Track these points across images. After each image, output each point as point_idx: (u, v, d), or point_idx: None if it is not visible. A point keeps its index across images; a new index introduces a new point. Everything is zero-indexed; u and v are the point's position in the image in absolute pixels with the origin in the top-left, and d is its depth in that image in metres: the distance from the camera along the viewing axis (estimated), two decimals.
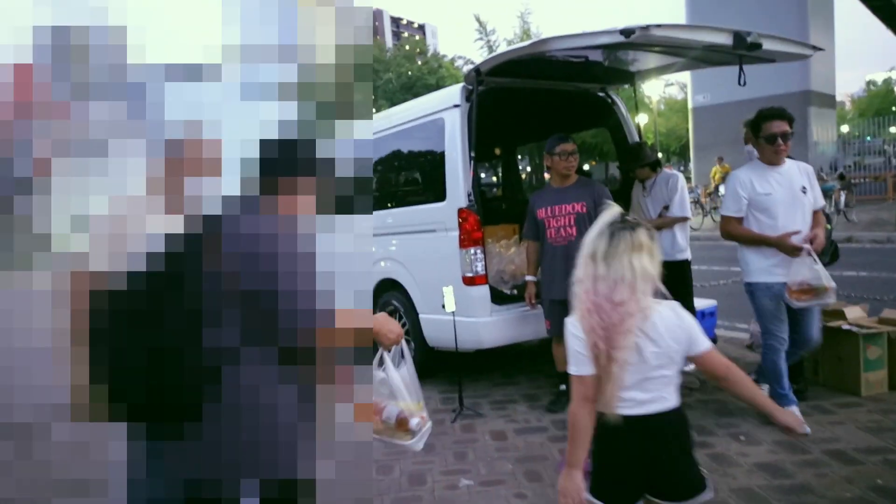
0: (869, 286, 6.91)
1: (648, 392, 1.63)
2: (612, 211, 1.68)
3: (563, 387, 3.97)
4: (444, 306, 3.82)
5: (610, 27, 3.03)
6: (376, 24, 68.03)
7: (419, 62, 31.68)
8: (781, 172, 3.36)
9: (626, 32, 2.93)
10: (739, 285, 5.78)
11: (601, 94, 4.79)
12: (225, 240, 1.10)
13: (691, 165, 21.99)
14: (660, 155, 4.60)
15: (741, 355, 4.76)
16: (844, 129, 31.08)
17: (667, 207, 4.33)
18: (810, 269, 3.23)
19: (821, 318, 3.63)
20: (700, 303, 4.80)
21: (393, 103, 18.34)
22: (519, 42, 14.37)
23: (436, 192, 4.20)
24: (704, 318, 4.82)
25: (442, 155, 4.14)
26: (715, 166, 18.82)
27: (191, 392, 1.07)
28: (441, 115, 4.16)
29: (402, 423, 1.76)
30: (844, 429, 3.32)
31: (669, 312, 1.65)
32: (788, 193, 3.33)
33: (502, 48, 4.06)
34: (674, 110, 34.40)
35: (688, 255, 4.42)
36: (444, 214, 4.10)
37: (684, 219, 4.36)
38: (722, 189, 16.58)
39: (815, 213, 3.44)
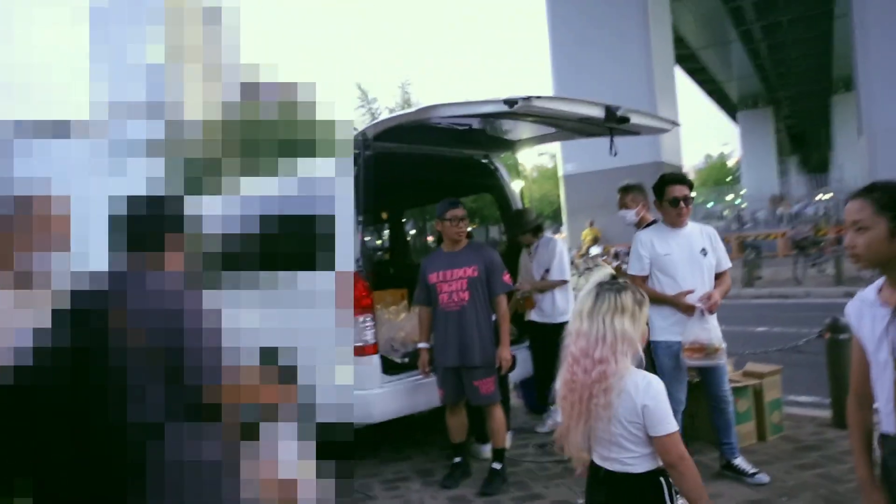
0: (727, 339, 7.49)
1: (611, 451, 1.72)
2: (603, 272, 1.90)
3: (457, 459, 3.82)
4: None
5: (494, 97, 3.11)
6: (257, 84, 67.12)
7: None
8: (682, 234, 3.50)
9: (510, 102, 3.02)
10: None
11: (484, 160, 4.92)
12: (130, 299, 1.06)
13: (564, 229, 23.38)
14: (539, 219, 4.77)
15: None
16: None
17: (548, 270, 4.45)
18: (703, 329, 3.34)
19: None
20: None
21: None
22: (400, 110, 14.73)
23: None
24: None
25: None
26: (586, 229, 20.14)
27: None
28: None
29: None
30: (726, 484, 3.44)
31: (644, 383, 1.69)
32: (688, 254, 3.45)
33: (384, 115, 4.13)
34: (545, 177, 36.82)
35: (568, 317, 4.52)
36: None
37: (563, 282, 4.49)
38: (593, 250, 17.71)
39: (720, 274, 3.57)
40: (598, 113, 3.41)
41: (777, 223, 28.30)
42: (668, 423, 1.68)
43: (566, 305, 4.53)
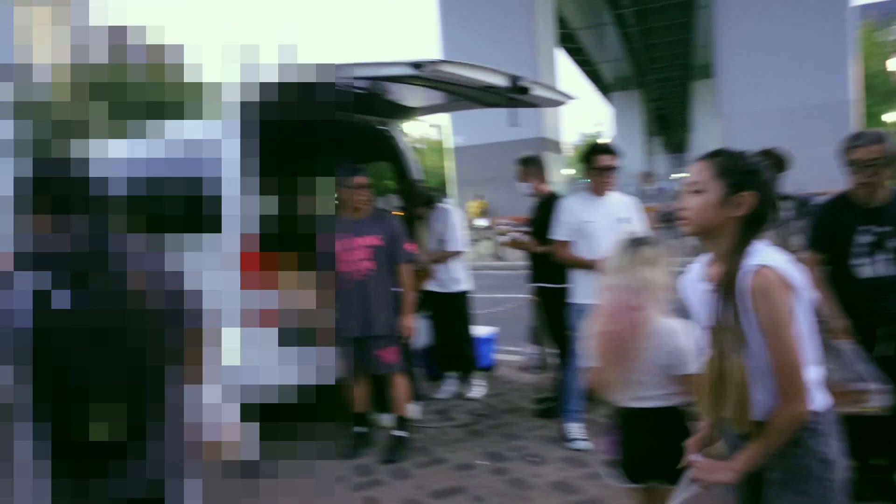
0: None
1: (642, 390, 1.92)
2: (629, 230, 2.09)
3: (359, 429, 3.78)
4: None
5: (400, 59, 3.02)
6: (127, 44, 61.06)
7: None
8: (605, 202, 3.55)
9: (417, 65, 2.94)
10: (514, 311, 6.27)
11: (382, 127, 4.80)
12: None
13: (452, 200, 23.71)
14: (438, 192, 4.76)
15: (517, 377, 5.08)
16: (570, 171, 36.61)
17: (443, 241, 4.47)
18: None
19: None
20: (481, 330, 5.03)
21: None
22: None
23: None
24: (485, 344, 5.06)
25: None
26: (471, 200, 20.53)
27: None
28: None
29: None
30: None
31: (673, 327, 1.90)
32: (609, 222, 3.49)
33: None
34: (432, 150, 36.99)
35: (464, 286, 4.59)
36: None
37: (458, 253, 4.53)
38: (479, 222, 18.12)
39: None
40: (502, 82, 3.42)
41: (644, 199, 30.54)
42: (693, 364, 1.86)
43: (462, 275, 4.59)
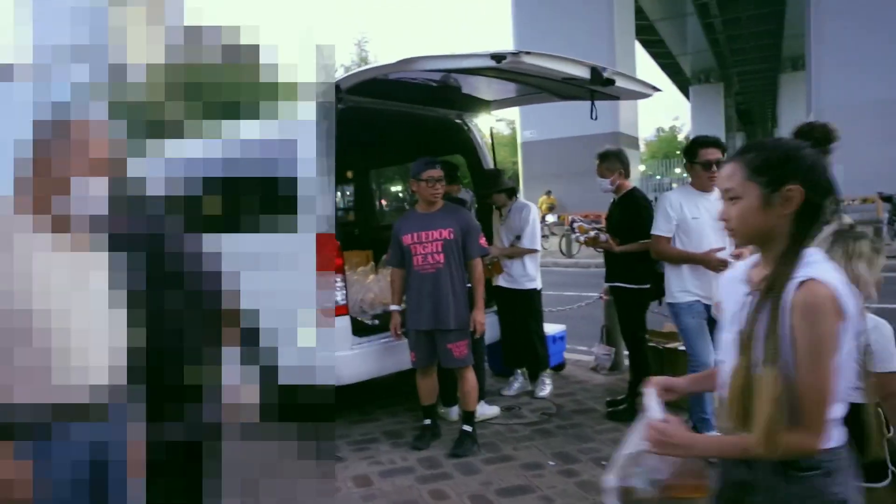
0: None
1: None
2: (842, 221, 1.88)
3: (427, 421, 3.79)
4: None
5: (480, 51, 2.98)
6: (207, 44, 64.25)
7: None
8: (710, 199, 3.36)
9: (498, 57, 2.89)
10: (587, 309, 6.13)
11: (458, 120, 4.78)
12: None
13: (521, 195, 23.54)
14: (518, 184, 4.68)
15: (588, 377, 4.97)
16: (641, 167, 35.52)
17: (519, 237, 4.40)
18: None
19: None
20: (550, 328, 4.94)
21: None
22: (356, 69, 14.30)
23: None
24: (555, 342, 4.97)
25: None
26: (542, 196, 20.29)
27: None
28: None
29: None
30: None
31: (872, 324, 1.80)
32: (714, 220, 3.24)
33: (339, 74, 3.91)
34: (502, 144, 36.73)
35: (537, 284, 4.51)
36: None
37: (534, 251, 4.44)
38: (548, 218, 17.87)
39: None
40: (584, 73, 3.32)
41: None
42: (892, 362, 1.81)
43: (535, 272, 4.50)
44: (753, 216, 1.30)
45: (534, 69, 3.15)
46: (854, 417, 1.79)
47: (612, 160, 4.08)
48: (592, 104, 3.86)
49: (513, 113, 23.48)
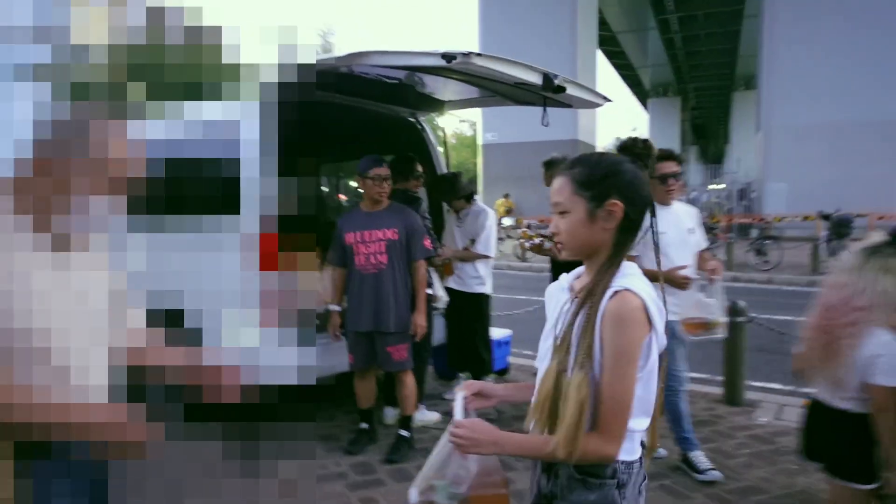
0: None
1: (839, 391, 2.03)
2: (881, 235, 2.00)
3: (363, 425, 3.70)
4: None
5: (431, 49, 2.91)
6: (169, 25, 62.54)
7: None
8: (672, 212, 3.32)
9: (448, 57, 2.83)
10: (534, 314, 6.13)
11: (411, 119, 4.70)
12: None
13: (479, 198, 23.63)
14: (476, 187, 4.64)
15: (532, 383, 4.96)
16: None
17: (473, 241, 4.35)
18: (702, 303, 3.19)
19: None
20: (496, 332, 4.91)
21: None
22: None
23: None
24: (500, 347, 4.95)
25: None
26: (500, 199, 20.39)
27: None
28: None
29: None
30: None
31: (886, 338, 1.91)
32: (678, 233, 3.28)
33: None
34: (464, 145, 36.79)
35: (486, 288, 4.48)
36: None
37: (486, 257, 4.41)
38: (505, 221, 17.97)
39: (700, 253, 3.44)
40: (535, 79, 3.29)
41: None
42: (891, 376, 1.91)
43: (486, 277, 4.47)
44: (580, 229, 1.33)
45: (484, 71, 3.10)
46: (856, 425, 2.00)
47: (553, 168, 4.09)
48: (545, 110, 3.84)
49: (476, 114, 23.54)
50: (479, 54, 2.86)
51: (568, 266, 4.36)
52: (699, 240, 3.45)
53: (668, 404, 3.35)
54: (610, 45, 35.58)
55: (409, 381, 3.60)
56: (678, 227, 3.31)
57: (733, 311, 4.48)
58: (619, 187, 1.31)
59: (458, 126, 35.16)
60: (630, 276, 1.30)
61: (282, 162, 4.00)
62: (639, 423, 1.30)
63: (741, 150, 38.32)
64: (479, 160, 23.21)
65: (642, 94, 49.37)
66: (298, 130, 3.66)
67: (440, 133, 5.24)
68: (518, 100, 4.21)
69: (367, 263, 3.46)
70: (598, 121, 24.28)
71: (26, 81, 1.05)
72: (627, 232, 1.34)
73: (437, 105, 4.65)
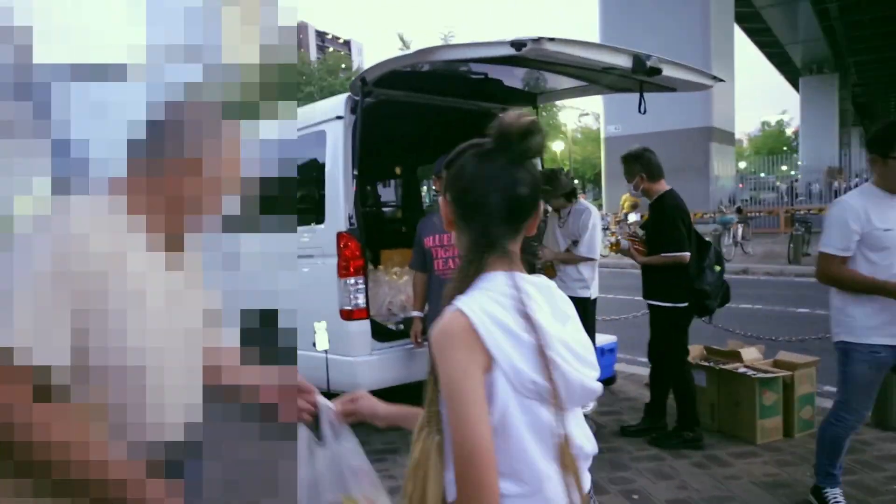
0: (764, 321, 7.02)
1: None
2: None
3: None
4: (314, 344, 3.34)
5: (500, 39, 2.71)
6: (301, 37, 67.32)
7: (342, 76, 31.19)
8: None
9: (517, 45, 2.62)
10: (642, 319, 5.67)
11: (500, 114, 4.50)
12: None
13: (603, 193, 22.67)
14: (576, 183, 4.35)
15: (639, 394, 4.55)
16: (742, 164, 33.27)
17: (576, 242, 4.04)
18: None
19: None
20: (600, 339, 4.57)
21: None
22: None
23: (315, 213, 3.73)
24: (604, 355, 4.59)
25: (322, 172, 3.68)
26: (625, 194, 19.40)
27: None
28: (323, 128, 3.71)
29: None
30: (739, 485, 3.09)
31: None
32: None
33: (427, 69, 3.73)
34: (589, 139, 35.59)
35: (591, 292, 4.15)
36: (322, 239, 3.63)
37: (591, 259, 4.08)
38: (631, 217, 17.05)
39: None
40: (624, 62, 2.96)
41: (832, 197, 26.83)
42: None
43: (590, 280, 4.14)
44: (458, 237, 1.13)
45: (564, 58, 2.84)
46: None
47: (630, 163, 3.71)
48: (641, 96, 3.47)
49: (598, 106, 22.64)
50: (551, 39, 2.61)
51: (658, 273, 3.90)
52: None
53: (828, 435, 2.80)
54: (752, 21, 32.62)
55: None
56: None
57: None
58: (457, 192, 1.08)
59: (580, 120, 34.08)
60: (478, 290, 1.00)
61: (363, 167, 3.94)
62: (510, 488, 0.95)
63: None
64: (602, 154, 22.29)
65: (792, 73, 44.76)
66: (372, 134, 3.61)
67: (563, 127, 4.99)
68: (614, 87, 3.87)
69: (447, 268, 3.33)
70: (738, 105, 22.31)
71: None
72: (477, 246, 1.05)
73: (528, 98, 4.41)
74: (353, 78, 4.06)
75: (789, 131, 60.45)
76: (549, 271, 4.20)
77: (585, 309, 4.15)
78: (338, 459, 1.22)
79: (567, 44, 2.72)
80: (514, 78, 4.03)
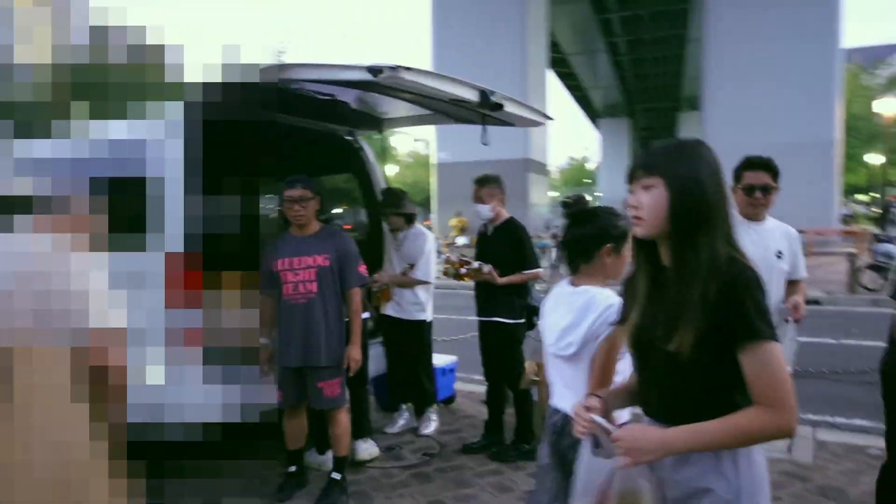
0: None
1: None
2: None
3: (292, 468, 3.41)
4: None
5: (357, 63, 2.72)
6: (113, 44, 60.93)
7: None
8: (758, 231, 2.91)
9: (374, 70, 2.65)
10: (472, 339, 5.94)
11: (348, 137, 4.49)
12: None
13: (433, 216, 23.47)
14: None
15: (478, 411, 4.74)
16: (553, 194, 36.60)
17: (412, 265, 4.14)
18: (792, 342, 2.79)
19: None
20: (440, 359, 4.70)
21: None
22: None
23: (140, 229, 3.39)
24: (444, 375, 4.73)
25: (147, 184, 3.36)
26: (454, 219, 20.30)
27: None
28: (154, 136, 3.40)
29: None
30: None
31: None
32: (762, 255, 2.82)
33: None
34: (419, 164, 36.72)
35: (427, 315, 4.26)
36: (149, 260, 3.30)
37: (426, 283, 4.20)
38: (459, 240, 17.85)
39: (794, 282, 3.01)
40: (471, 96, 3.13)
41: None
42: None
43: (426, 303, 4.26)
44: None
45: (416, 87, 2.92)
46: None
47: (493, 185, 3.94)
48: (484, 128, 3.69)
49: (430, 133, 23.52)
50: (407, 68, 2.69)
51: (502, 292, 4.13)
52: (788, 266, 2.97)
53: None
54: (561, 66, 36.33)
55: (343, 419, 3.34)
56: (762, 249, 2.86)
57: None
58: None
59: (413, 145, 35.11)
60: None
61: (207, 181, 3.70)
62: None
63: None
64: (433, 179, 23.14)
65: (594, 115, 50.50)
66: (225, 149, 3.41)
67: (394, 152, 5.06)
68: (458, 118, 4.06)
69: (296, 293, 3.21)
70: (550, 140, 24.57)
71: None
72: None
73: (375, 123, 4.45)
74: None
75: (591, 166, 67.81)
76: (385, 294, 4.25)
77: (422, 331, 4.27)
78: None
79: (421, 74, 2.81)
80: (361, 102, 4.05)
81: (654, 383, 1.44)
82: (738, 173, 2.94)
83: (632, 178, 1.45)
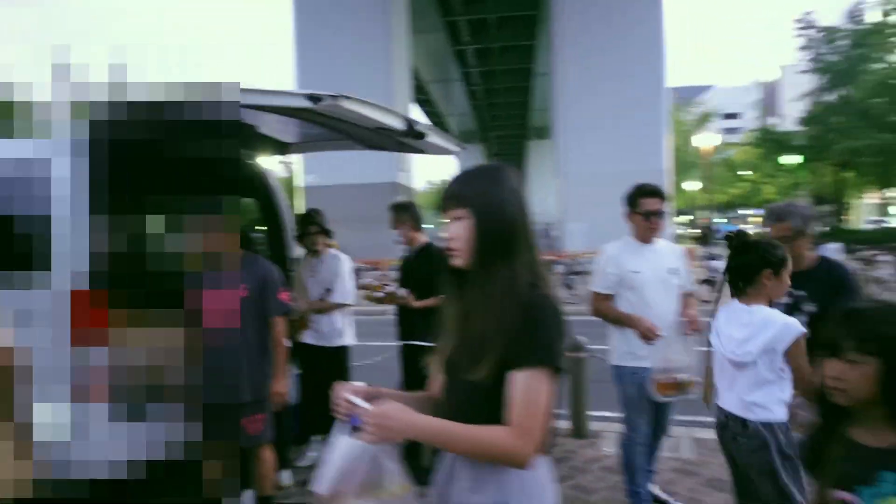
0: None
1: None
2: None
3: None
4: None
5: (296, 90, 2.68)
6: None
7: None
8: (652, 251, 3.19)
9: (315, 98, 2.63)
10: (390, 361, 5.92)
11: (251, 161, 4.32)
12: None
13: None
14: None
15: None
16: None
17: (329, 290, 4.08)
18: (674, 359, 2.96)
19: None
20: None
21: None
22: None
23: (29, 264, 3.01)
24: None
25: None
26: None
27: None
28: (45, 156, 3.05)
29: None
30: None
31: None
32: (658, 273, 3.15)
33: None
34: (283, 188, 35.55)
35: (347, 340, 4.21)
36: (42, 299, 2.94)
37: (346, 305, 4.15)
38: None
39: (685, 296, 3.31)
40: (400, 124, 3.20)
41: None
42: None
43: (346, 328, 4.19)
44: None
45: (351, 115, 2.94)
46: None
47: (400, 212, 4.03)
48: (400, 155, 3.77)
49: (293, 156, 23.00)
50: (348, 97, 2.70)
51: (422, 315, 4.24)
52: (683, 281, 3.30)
53: (623, 456, 3.26)
54: (420, 93, 37.42)
55: (268, 456, 3.18)
56: (658, 267, 3.17)
57: (574, 347, 4.74)
58: None
59: (275, 167, 33.96)
60: None
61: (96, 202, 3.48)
62: None
63: (539, 194, 42.35)
64: (299, 202, 22.59)
65: None
66: (112, 169, 3.20)
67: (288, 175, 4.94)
68: (371, 144, 4.09)
69: (213, 325, 3.02)
70: (412, 165, 25.13)
71: None
72: None
73: (279, 147, 4.34)
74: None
75: None
76: (302, 323, 4.13)
77: (341, 358, 4.20)
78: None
79: (359, 103, 2.83)
80: (267, 126, 3.94)
81: (454, 406, 1.43)
82: (634, 200, 3.21)
83: (444, 208, 1.46)
